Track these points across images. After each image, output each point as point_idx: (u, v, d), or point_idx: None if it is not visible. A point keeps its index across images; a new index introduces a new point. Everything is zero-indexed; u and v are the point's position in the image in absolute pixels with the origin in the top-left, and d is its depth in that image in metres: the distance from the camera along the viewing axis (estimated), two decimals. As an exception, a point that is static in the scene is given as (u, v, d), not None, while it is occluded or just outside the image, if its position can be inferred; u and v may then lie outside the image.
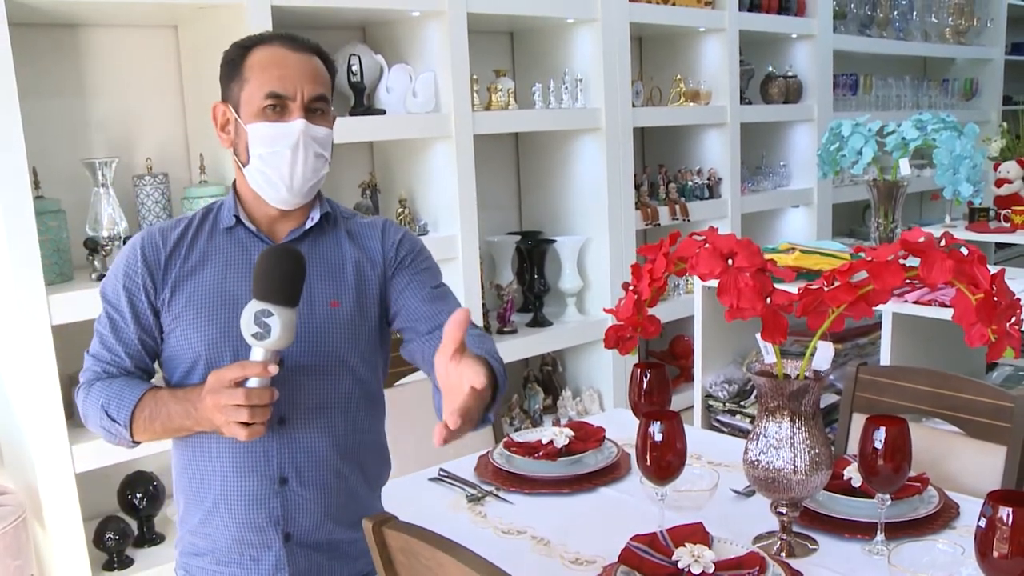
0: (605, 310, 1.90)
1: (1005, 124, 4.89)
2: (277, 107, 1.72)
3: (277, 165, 1.73)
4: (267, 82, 1.72)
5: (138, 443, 1.78)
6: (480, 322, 3.48)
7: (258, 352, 1.62)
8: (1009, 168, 4.28)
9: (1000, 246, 5.21)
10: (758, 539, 1.71)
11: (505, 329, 3.76)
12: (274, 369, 1.61)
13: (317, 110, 1.75)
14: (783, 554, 1.64)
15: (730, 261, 1.54)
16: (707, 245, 1.56)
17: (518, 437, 2.14)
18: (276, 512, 1.77)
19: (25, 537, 2.61)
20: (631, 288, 1.69)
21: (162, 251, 1.78)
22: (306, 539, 1.80)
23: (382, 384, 1.94)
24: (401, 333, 1.89)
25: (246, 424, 1.60)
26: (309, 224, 1.83)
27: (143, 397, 1.73)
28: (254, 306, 1.60)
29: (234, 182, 1.85)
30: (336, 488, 1.82)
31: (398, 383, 2.45)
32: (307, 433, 1.78)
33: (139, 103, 3.06)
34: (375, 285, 1.86)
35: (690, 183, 4.37)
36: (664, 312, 4.05)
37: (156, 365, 1.85)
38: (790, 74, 4.85)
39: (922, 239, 1.48)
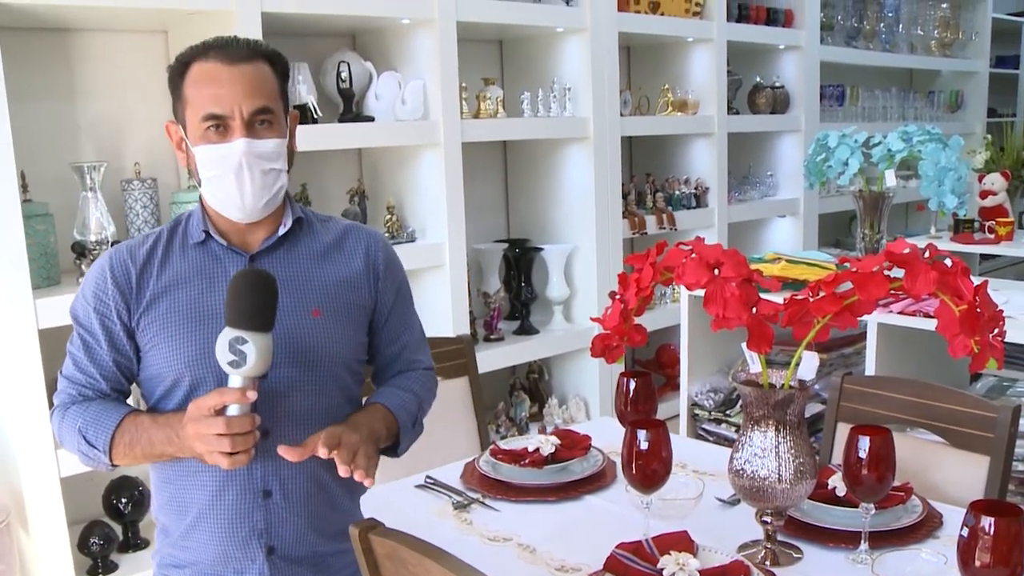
0: (592, 319, 1.91)
1: (990, 136, 4.93)
2: (219, 127, 1.66)
3: (224, 187, 1.69)
4: (203, 104, 1.66)
5: (117, 466, 1.75)
6: (466, 330, 3.49)
7: (236, 379, 1.59)
8: (993, 180, 4.31)
9: (984, 257, 5.25)
10: (743, 548, 1.71)
11: (492, 337, 3.76)
12: (252, 395, 1.58)
13: (262, 123, 1.69)
14: (768, 563, 1.65)
15: (716, 271, 1.55)
16: (694, 255, 1.57)
17: (504, 445, 2.14)
18: (259, 526, 1.75)
19: (9, 541, 2.60)
20: (618, 297, 1.70)
21: (132, 270, 1.74)
22: (289, 552, 1.78)
23: (361, 389, 1.92)
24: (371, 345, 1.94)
25: (229, 453, 1.58)
26: (281, 231, 1.79)
27: (122, 422, 1.70)
28: (228, 333, 1.58)
29: (200, 195, 1.80)
30: (319, 499, 1.80)
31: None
32: (291, 445, 1.74)
33: (128, 108, 3.05)
34: (358, 296, 1.84)
35: (677, 192, 4.38)
36: (650, 321, 4.06)
37: (132, 385, 1.82)
38: (777, 85, 4.87)
39: (907, 250, 1.49)
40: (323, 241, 1.84)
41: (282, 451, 1.61)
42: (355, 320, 1.84)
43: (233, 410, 1.59)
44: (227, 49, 1.69)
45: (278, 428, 1.74)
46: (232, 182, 1.68)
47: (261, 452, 1.72)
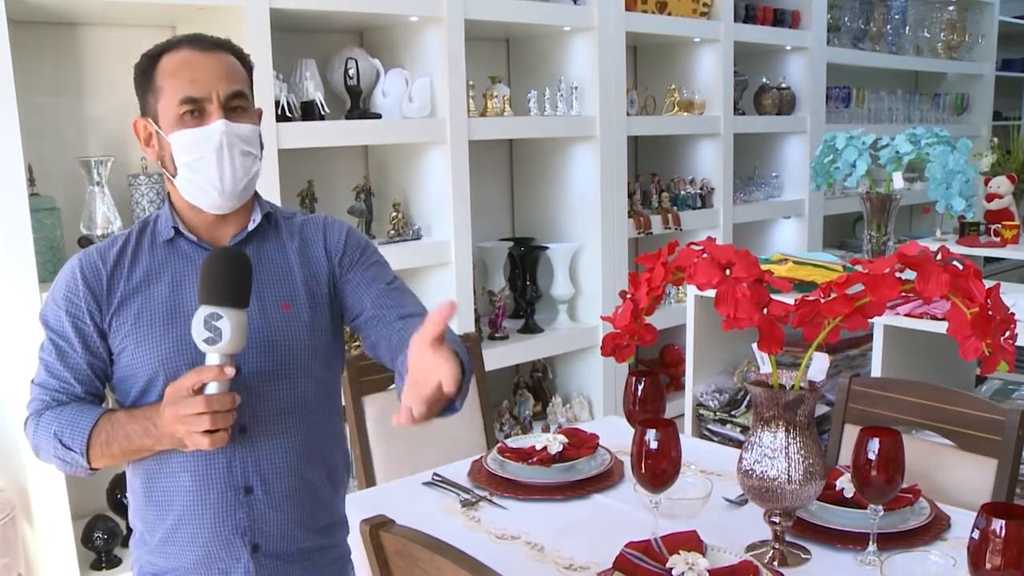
0: (603, 318, 1.91)
1: (996, 139, 4.92)
2: (195, 112, 1.66)
3: (204, 170, 1.68)
4: (180, 88, 1.66)
5: (95, 470, 1.72)
6: (471, 328, 3.49)
7: (213, 357, 1.58)
8: (999, 183, 4.31)
9: (989, 260, 5.24)
10: (751, 548, 1.71)
11: (496, 335, 3.76)
12: (231, 371, 1.57)
13: (237, 108, 1.69)
14: (776, 563, 1.65)
15: (728, 271, 1.55)
16: (705, 255, 1.57)
17: (512, 443, 2.14)
18: (242, 523, 1.73)
19: (14, 535, 2.60)
20: (629, 296, 1.70)
21: (102, 271, 1.72)
22: (274, 549, 1.76)
23: (339, 383, 1.91)
24: (362, 328, 1.84)
25: (209, 432, 1.55)
26: (251, 226, 1.78)
27: (98, 421, 1.67)
28: (203, 311, 1.57)
29: (167, 193, 1.80)
30: (302, 493, 1.78)
31: (390, 387, 2.45)
32: (269, 440, 1.74)
33: (136, 103, 3.04)
34: (325, 285, 1.82)
35: (683, 192, 4.38)
36: (655, 321, 4.04)
37: (107, 389, 1.80)
38: (783, 86, 4.87)
39: (919, 253, 1.49)
40: (289, 236, 1.84)
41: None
42: (325, 308, 1.82)
43: (212, 388, 1.57)
44: (198, 40, 1.71)
45: (255, 423, 1.72)
46: (213, 163, 1.67)
47: (240, 448, 1.71)
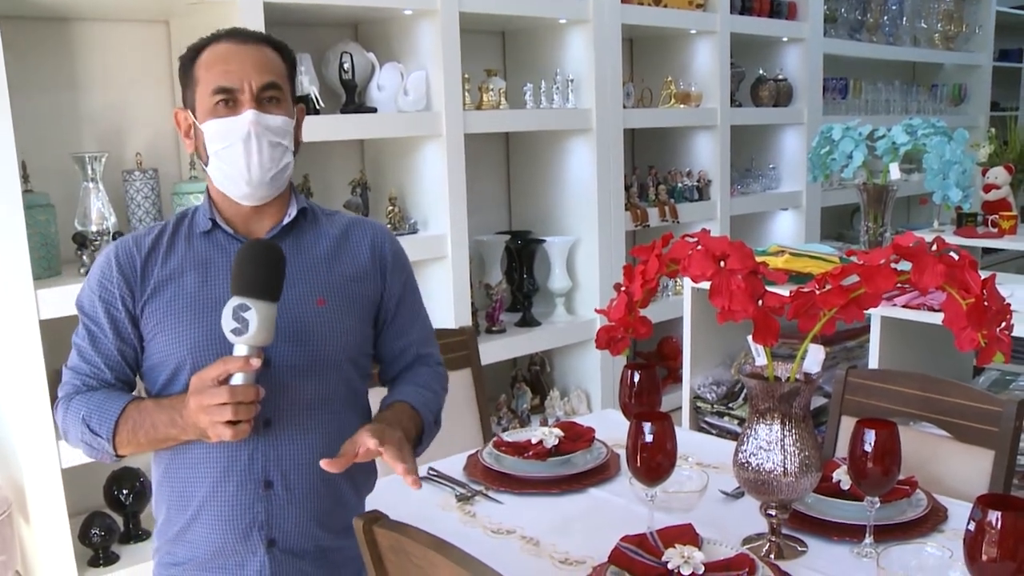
0: (597, 310, 1.91)
1: (993, 130, 4.92)
2: (228, 102, 1.70)
3: (232, 159, 1.71)
4: (214, 78, 1.71)
5: (121, 457, 1.74)
6: (468, 321, 3.48)
7: (240, 348, 1.59)
8: (997, 174, 4.30)
9: (987, 251, 5.24)
10: (747, 541, 1.71)
11: (494, 328, 3.76)
12: (256, 363, 1.58)
13: (271, 99, 1.73)
14: (772, 556, 1.65)
15: (722, 263, 1.54)
16: (700, 247, 1.57)
17: (508, 437, 2.13)
18: (260, 517, 1.74)
19: (10, 532, 2.60)
20: (623, 289, 1.69)
21: (137, 259, 1.75)
22: (290, 545, 1.77)
23: (367, 383, 1.92)
24: (379, 356, 1.96)
25: (232, 423, 1.57)
26: (287, 220, 1.81)
27: (126, 408, 1.70)
28: (232, 302, 1.59)
29: (207, 186, 1.83)
30: (322, 492, 1.79)
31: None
32: (293, 435, 1.75)
33: (130, 98, 3.04)
34: (364, 288, 1.85)
35: (680, 185, 4.38)
36: (652, 313, 3.99)
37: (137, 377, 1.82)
38: (780, 77, 4.86)
39: (914, 243, 1.49)
40: (328, 233, 1.86)
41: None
42: (361, 311, 1.85)
43: (238, 379, 1.58)
44: (238, 34, 1.76)
45: (280, 417, 1.74)
46: (240, 152, 1.70)
47: (263, 442, 1.73)
